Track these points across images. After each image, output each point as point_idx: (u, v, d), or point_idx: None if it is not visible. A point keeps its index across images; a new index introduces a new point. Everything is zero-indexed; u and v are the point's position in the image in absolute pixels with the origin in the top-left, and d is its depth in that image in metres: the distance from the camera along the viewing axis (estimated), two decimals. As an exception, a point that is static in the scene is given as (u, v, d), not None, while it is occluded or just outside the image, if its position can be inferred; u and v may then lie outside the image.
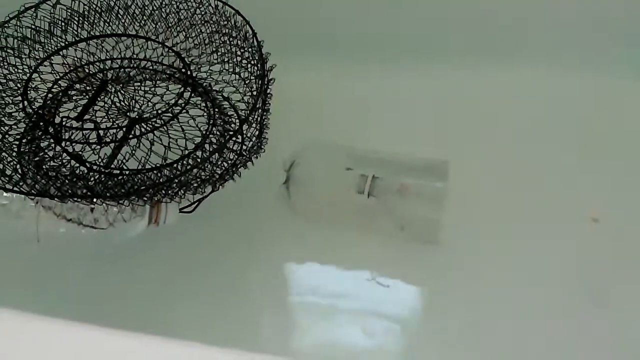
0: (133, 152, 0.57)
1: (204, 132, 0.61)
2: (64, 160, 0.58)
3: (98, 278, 0.62)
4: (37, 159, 0.57)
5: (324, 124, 0.77)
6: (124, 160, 0.57)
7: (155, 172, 0.56)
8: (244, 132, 0.56)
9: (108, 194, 0.51)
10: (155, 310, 0.62)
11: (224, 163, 0.56)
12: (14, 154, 0.57)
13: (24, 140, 0.60)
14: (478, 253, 0.66)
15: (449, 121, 0.77)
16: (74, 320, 0.36)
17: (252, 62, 0.61)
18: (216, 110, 0.63)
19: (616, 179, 0.71)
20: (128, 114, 0.61)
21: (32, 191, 0.52)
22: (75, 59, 0.64)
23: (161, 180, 0.54)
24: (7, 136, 0.58)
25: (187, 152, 0.59)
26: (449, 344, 0.61)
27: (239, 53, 0.63)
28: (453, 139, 0.74)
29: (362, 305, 0.66)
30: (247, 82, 0.62)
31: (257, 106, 0.56)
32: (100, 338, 0.36)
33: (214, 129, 0.62)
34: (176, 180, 0.53)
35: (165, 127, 0.58)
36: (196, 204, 0.60)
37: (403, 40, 0.79)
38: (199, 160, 0.57)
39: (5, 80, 0.61)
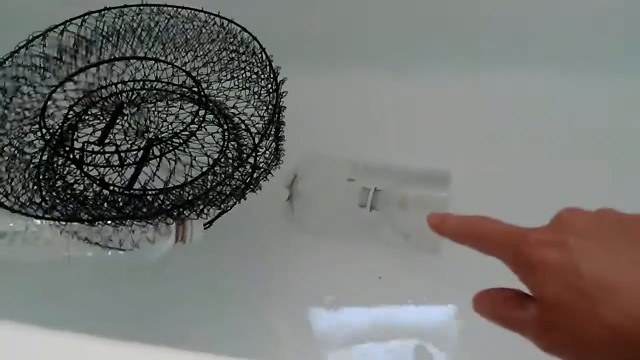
0: (156, 172, 0.58)
1: (220, 148, 0.63)
2: (86, 184, 0.59)
3: (125, 297, 0.64)
4: (60, 184, 0.58)
5: (324, 136, 0.77)
6: (151, 181, 0.58)
7: (179, 190, 0.58)
8: (262, 145, 0.57)
9: (139, 215, 0.52)
10: (170, 326, 0.63)
11: (246, 177, 0.58)
12: (41, 182, 0.58)
13: (42, 167, 0.60)
14: (482, 261, 0.67)
15: (450, 130, 0.78)
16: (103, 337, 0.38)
17: (262, 76, 0.63)
18: (230, 125, 0.65)
19: (623, 185, 0.72)
20: (145, 134, 0.62)
21: (62, 217, 0.53)
22: (87, 83, 0.65)
23: (189, 197, 0.56)
24: (30, 165, 0.59)
25: (206, 168, 0.60)
26: (449, 349, 0.63)
27: (248, 68, 0.64)
28: (455, 148, 0.75)
29: (372, 315, 0.67)
30: (259, 96, 0.64)
31: (273, 119, 0.57)
32: (129, 354, 0.37)
33: (229, 144, 0.64)
34: (206, 196, 0.54)
35: (184, 145, 0.59)
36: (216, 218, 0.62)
37: (403, 50, 0.81)
38: (221, 175, 0.59)
39: (21, 110, 0.62)
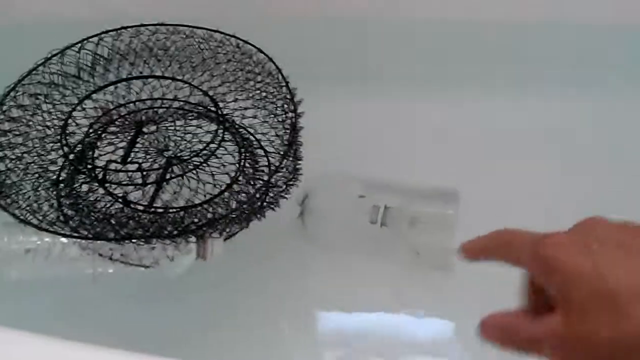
0: (179, 190, 0.60)
1: (237, 166, 0.64)
2: (107, 203, 0.61)
3: (146, 314, 0.65)
4: (84, 202, 0.59)
5: (334, 154, 0.77)
6: (175, 199, 0.60)
7: (201, 208, 0.59)
8: (282, 164, 0.59)
9: (165, 234, 0.54)
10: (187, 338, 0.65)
11: (265, 195, 0.60)
12: (65, 200, 0.59)
13: (66, 185, 0.61)
14: (491, 278, 0.67)
15: (459, 149, 0.79)
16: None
17: (279, 96, 0.64)
18: (246, 144, 0.67)
19: (631, 204, 0.71)
20: (164, 153, 0.63)
21: (89, 235, 0.54)
22: (107, 102, 0.66)
23: (213, 215, 0.57)
24: (55, 184, 0.60)
25: (225, 186, 0.62)
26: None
27: (263, 89, 0.66)
28: (463, 166, 0.76)
29: (382, 331, 0.69)
30: (275, 116, 0.65)
31: (293, 140, 0.59)
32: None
33: (246, 162, 0.65)
34: (229, 216, 0.56)
35: (204, 164, 0.60)
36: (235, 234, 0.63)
37: (414, 71, 0.83)
38: (241, 194, 0.61)
39: (42, 128, 0.62)
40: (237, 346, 0.66)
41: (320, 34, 0.83)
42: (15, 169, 0.58)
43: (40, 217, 0.55)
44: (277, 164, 0.62)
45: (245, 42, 0.66)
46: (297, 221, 0.70)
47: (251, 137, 0.68)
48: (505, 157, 0.79)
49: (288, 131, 0.61)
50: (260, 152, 0.67)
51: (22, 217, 0.54)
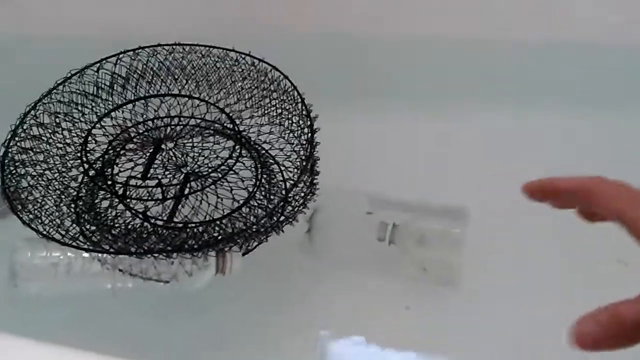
0: (199, 205, 0.60)
1: (255, 182, 0.65)
2: (128, 219, 0.61)
3: (162, 328, 0.65)
4: (104, 218, 0.60)
5: (342, 170, 0.77)
6: (195, 214, 0.60)
7: (220, 223, 0.60)
8: (300, 179, 0.59)
9: (187, 248, 0.54)
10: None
11: (283, 210, 0.60)
12: (85, 215, 0.60)
13: (86, 201, 0.62)
14: (499, 296, 0.68)
15: (467, 167, 0.80)
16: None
17: (294, 112, 0.65)
18: (263, 160, 0.68)
19: None
20: (182, 169, 0.64)
21: (112, 250, 0.55)
22: (125, 120, 0.67)
23: (233, 230, 0.58)
24: (77, 200, 0.61)
25: (243, 201, 0.62)
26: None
27: (278, 105, 0.67)
28: (472, 184, 0.76)
29: (387, 347, 0.69)
30: (290, 132, 0.66)
31: (310, 156, 0.60)
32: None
33: (263, 177, 0.66)
34: (249, 230, 0.56)
35: (223, 180, 0.61)
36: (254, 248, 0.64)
37: (422, 88, 0.83)
38: (258, 209, 0.61)
39: (62, 145, 0.63)
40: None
41: (325, 51, 0.84)
42: (37, 185, 0.59)
43: (63, 232, 0.56)
44: (294, 178, 0.63)
45: (261, 60, 0.67)
46: (305, 237, 0.70)
47: (267, 153, 0.68)
48: (512, 174, 0.78)
49: (304, 146, 0.62)
50: (276, 167, 0.68)
51: (45, 233, 0.55)
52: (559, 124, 0.82)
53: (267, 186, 0.66)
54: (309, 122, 0.62)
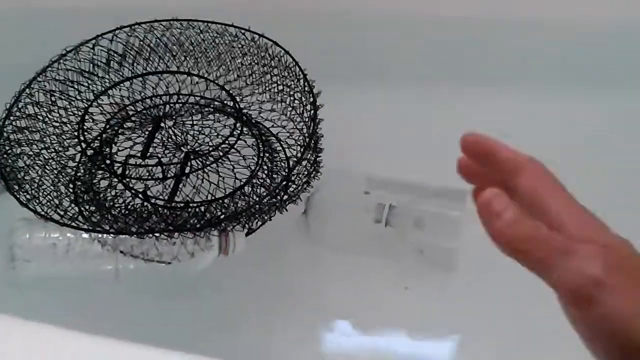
0: (200, 184, 0.59)
1: (257, 160, 0.64)
2: (128, 198, 0.60)
3: (161, 309, 0.64)
4: (103, 197, 0.59)
5: (340, 150, 0.73)
6: (198, 192, 0.59)
7: (222, 202, 0.59)
8: (303, 156, 0.58)
9: (188, 227, 0.53)
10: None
11: (287, 188, 0.59)
12: (84, 195, 0.59)
13: (85, 181, 0.61)
14: (496, 280, 0.66)
15: None
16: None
17: (296, 89, 0.64)
18: (264, 138, 0.66)
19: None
20: (182, 147, 0.63)
21: (113, 230, 0.53)
22: (122, 98, 0.65)
23: (235, 209, 0.57)
24: (74, 179, 0.59)
25: (245, 180, 0.61)
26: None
27: (280, 82, 0.66)
28: None
29: (384, 329, 0.68)
30: (292, 108, 0.65)
31: (313, 132, 0.59)
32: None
33: (265, 155, 0.65)
34: (253, 209, 0.55)
35: (224, 158, 0.60)
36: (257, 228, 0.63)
37: (424, 69, 0.82)
38: (260, 187, 0.60)
39: (59, 124, 0.62)
40: (233, 343, 0.64)
41: (328, 29, 0.82)
42: (34, 165, 0.58)
43: (62, 213, 0.54)
44: (297, 156, 0.62)
45: (261, 35, 0.65)
46: (301, 218, 0.69)
47: (269, 131, 0.67)
48: None
49: (307, 123, 0.61)
50: (278, 145, 0.67)
51: (43, 213, 0.53)
52: (569, 109, 0.80)
53: (269, 164, 0.65)
54: (311, 99, 0.60)
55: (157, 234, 0.54)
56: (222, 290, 0.67)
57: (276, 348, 0.66)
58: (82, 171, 0.61)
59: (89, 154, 0.60)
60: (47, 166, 0.58)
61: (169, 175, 0.59)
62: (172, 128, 0.63)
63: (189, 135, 0.63)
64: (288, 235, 0.70)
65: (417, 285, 0.69)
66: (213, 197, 0.59)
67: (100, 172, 0.61)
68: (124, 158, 0.59)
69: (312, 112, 0.59)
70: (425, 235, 0.67)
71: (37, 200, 0.55)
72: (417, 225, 0.67)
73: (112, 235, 0.54)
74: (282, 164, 0.67)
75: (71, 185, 0.59)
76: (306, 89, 0.61)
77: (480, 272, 0.67)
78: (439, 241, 0.67)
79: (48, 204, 0.55)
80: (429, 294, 0.68)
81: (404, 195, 0.69)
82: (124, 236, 0.56)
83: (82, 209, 0.57)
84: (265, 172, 0.65)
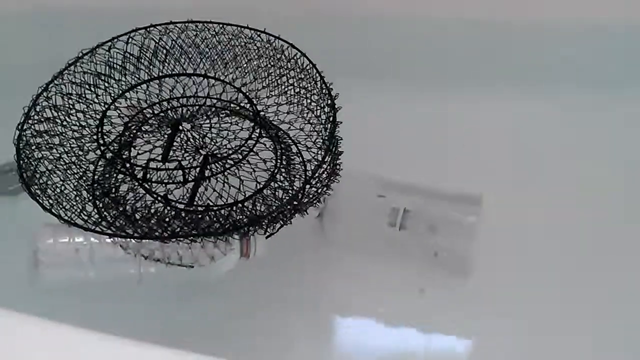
0: (223, 187, 0.59)
1: (275, 163, 0.64)
2: (148, 202, 0.60)
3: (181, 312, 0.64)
4: (125, 202, 0.59)
5: (355, 153, 0.72)
6: (220, 196, 0.59)
7: (241, 205, 0.59)
8: (325, 159, 0.58)
9: (213, 232, 0.54)
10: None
11: (309, 191, 0.59)
12: (108, 200, 0.59)
13: (105, 184, 0.61)
14: (510, 286, 0.68)
15: (483, 153, 0.78)
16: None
17: (313, 91, 0.64)
18: (282, 140, 0.66)
19: None
20: (200, 150, 0.63)
21: (137, 235, 0.54)
22: (139, 100, 0.65)
23: (255, 213, 0.57)
24: (96, 184, 0.59)
25: (264, 183, 0.61)
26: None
27: (296, 84, 0.66)
28: (488, 171, 0.75)
29: (395, 329, 0.69)
30: (309, 110, 0.65)
31: (333, 135, 0.59)
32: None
33: (283, 158, 0.65)
34: (277, 211, 0.56)
35: (243, 161, 0.60)
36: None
37: (439, 72, 0.82)
38: (279, 191, 0.61)
39: (78, 127, 0.62)
40: (247, 345, 0.65)
41: (338, 31, 0.83)
42: (56, 170, 0.58)
43: (85, 217, 0.54)
44: (315, 159, 0.62)
45: (277, 37, 0.66)
46: (315, 221, 0.70)
47: (286, 133, 0.67)
48: (531, 163, 0.78)
49: (325, 126, 0.61)
50: (295, 147, 0.67)
51: (67, 218, 0.53)
52: (587, 116, 0.80)
53: (287, 167, 0.65)
54: (329, 101, 0.60)
55: (182, 239, 0.53)
56: (235, 293, 0.67)
57: (292, 350, 0.66)
58: (102, 175, 0.61)
59: (108, 157, 0.60)
60: (68, 170, 0.58)
61: (189, 179, 0.59)
62: (191, 131, 0.63)
63: (206, 138, 0.63)
64: (302, 238, 0.70)
65: (432, 288, 0.69)
66: (235, 201, 0.59)
67: (120, 175, 0.61)
68: (145, 161, 0.58)
69: (332, 114, 0.59)
70: (439, 239, 0.67)
71: (61, 205, 0.54)
72: (431, 230, 0.67)
73: (136, 239, 0.54)
74: (299, 166, 0.67)
75: (92, 190, 0.59)
76: (324, 91, 0.62)
77: (495, 276, 0.68)
78: (454, 246, 0.67)
79: (71, 208, 0.55)
80: (444, 297, 0.69)
81: (419, 199, 0.69)
82: (145, 240, 0.57)
83: (105, 213, 0.57)
84: (284, 175, 0.65)
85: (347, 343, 0.70)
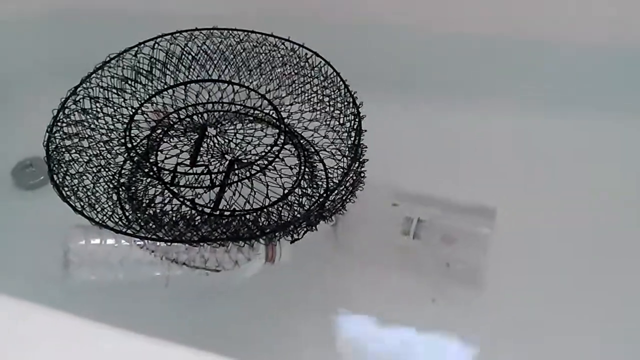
0: (249, 193, 0.60)
1: (299, 169, 0.65)
2: (175, 206, 0.61)
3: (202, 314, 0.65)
4: (154, 206, 0.60)
5: (370, 163, 0.72)
6: (248, 202, 0.60)
7: (267, 211, 0.60)
8: (352, 167, 0.59)
9: (241, 236, 0.54)
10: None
11: (335, 198, 0.60)
12: (136, 203, 0.59)
13: (132, 188, 0.62)
14: (522, 299, 0.68)
15: (496, 163, 0.79)
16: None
17: (337, 99, 0.65)
18: (307, 147, 0.67)
19: None
20: (225, 155, 0.64)
21: (168, 238, 0.54)
22: (165, 105, 0.66)
23: (281, 218, 0.58)
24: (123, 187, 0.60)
25: (290, 189, 0.62)
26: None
27: (321, 92, 0.67)
28: (502, 183, 0.75)
29: (409, 340, 0.69)
30: (332, 117, 0.66)
31: (359, 143, 0.60)
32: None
33: (306, 164, 0.66)
34: (307, 216, 0.56)
35: (269, 167, 0.61)
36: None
37: (454, 80, 0.83)
38: (303, 197, 0.62)
39: (106, 131, 0.63)
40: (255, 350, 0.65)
41: (359, 41, 0.83)
42: (86, 172, 0.59)
43: (116, 220, 0.55)
44: (339, 166, 0.63)
45: (301, 45, 0.67)
46: (330, 229, 0.70)
47: (308, 142, 0.68)
48: (544, 174, 0.78)
49: (349, 134, 0.62)
50: (316, 157, 0.68)
51: (98, 220, 0.54)
52: (601, 128, 0.80)
53: (310, 174, 0.66)
54: (353, 109, 0.61)
55: (212, 243, 0.54)
56: (257, 296, 0.68)
57: (305, 355, 0.67)
58: (130, 179, 0.62)
59: (135, 160, 0.61)
60: (98, 173, 0.59)
61: (217, 184, 0.60)
62: (217, 136, 0.64)
63: (231, 144, 0.64)
64: (316, 246, 0.69)
65: (444, 299, 0.69)
66: (262, 206, 0.60)
67: (148, 179, 0.62)
68: (173, 166, 0.59)
69: (357, 123, 0.60)
70: (452, 250, 0.68)
71: (92, 208, 0.55)
72: (444, 240, 0.68)
73: (166, 243, 0.54)
74: (321, 173, 0.68)
75: (121, 193, 0.60)
76: (348, 99, 0.63)
77: (507, 288, 0.68)
78: (467, 257, 0.68)
79: (102, 211, 0.56)
80: (456, 308, 0.69)
81: (433, 210, 0.69)
82: (173, 244, 0.57)
83: (135, 216, 0.58)
84: (307, 181, 0.66)
85: (359, 349, 0.69)
